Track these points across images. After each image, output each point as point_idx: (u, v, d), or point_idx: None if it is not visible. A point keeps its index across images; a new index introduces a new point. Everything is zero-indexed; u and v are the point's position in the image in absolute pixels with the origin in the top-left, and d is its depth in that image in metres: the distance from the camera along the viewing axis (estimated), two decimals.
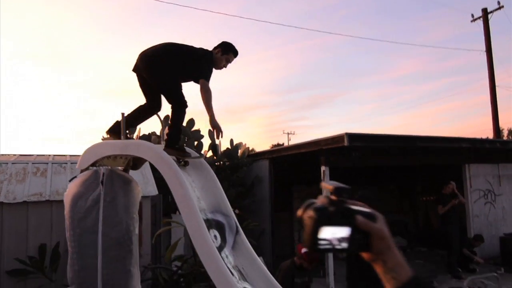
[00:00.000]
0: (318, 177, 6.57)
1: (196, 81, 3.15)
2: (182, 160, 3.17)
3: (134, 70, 3.24)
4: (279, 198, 8.48)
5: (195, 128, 8.31)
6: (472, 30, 43.11)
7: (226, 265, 2.88)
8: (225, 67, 3.34)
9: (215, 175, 3.36)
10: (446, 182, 7.38)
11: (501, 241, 7.92)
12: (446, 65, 79.51)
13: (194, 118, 8.33)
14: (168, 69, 3.15)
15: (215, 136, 3.27)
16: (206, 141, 11.34)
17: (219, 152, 8.40)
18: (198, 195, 3.16)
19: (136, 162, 3.64)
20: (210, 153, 8.39)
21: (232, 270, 2.91)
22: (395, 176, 10.50)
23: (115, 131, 3.23)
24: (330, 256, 6.35)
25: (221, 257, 2.90)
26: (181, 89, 3.23)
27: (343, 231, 0.66)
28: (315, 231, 0.66)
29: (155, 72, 3.16)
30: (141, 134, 7.69)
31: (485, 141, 8.21)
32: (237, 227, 3.22)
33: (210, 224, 3.07)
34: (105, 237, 2.92)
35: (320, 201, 0.70)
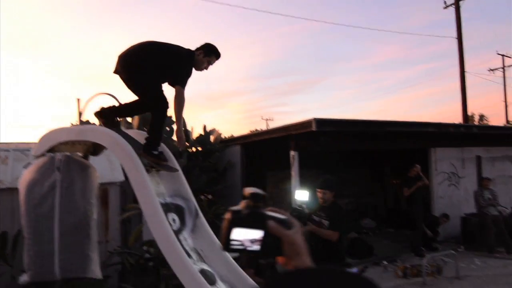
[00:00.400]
0: (289, 162, 6.69)
1: (172, 85, 3.07)
2: (156, 168, 3.05)
3: (115, 72, 3.13)
4: (253, 183, 8.52)
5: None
6: (446, 17, 43.89)
7: (184, 247, 2.94)
8: (206, 69, 3.27)
9: (175, 160, 3.39)
10: (411, 165, 7.65)
11: (462, 221, 8.30)
12: (423, 52, 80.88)
13: None
14: (147, 71, 3.04)
15: (178, 146, 3.28)
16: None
17: (191, 139, 8.39)
18: (157, 180, 3.19)
19: (96, 148, 3.63)
20: None
21: (190, 252, 2.98)
22: (366, 160, 10.76)
23: (103, 115, 3.15)
24: None
25: (179, 239, 2.96)
26: (162, 90, 3.13)
27: (255, 234, 0.70)
28: (228, 231, 0.71)
29: (134, 75, 3.05)
30: None
31: (450, 125, 8.49)
32: (196, 210, 3.27)
33: (169, 208, 3.11)
34: (62, 223, 2.93)
35: (240, 204, 0.75)
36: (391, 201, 11.43)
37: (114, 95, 3.54)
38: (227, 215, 0.72)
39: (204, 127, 8.88)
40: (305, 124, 6.18)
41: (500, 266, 6.80)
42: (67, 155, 3.11)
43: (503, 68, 26.36)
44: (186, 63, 3.11)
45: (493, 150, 9.92)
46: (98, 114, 3.18)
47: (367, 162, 11.04)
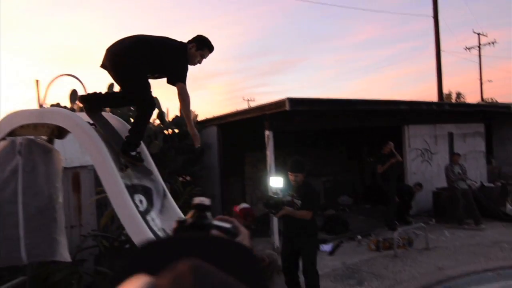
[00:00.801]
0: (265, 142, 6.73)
1: (171, 82, 2.93)
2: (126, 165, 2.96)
3: (102, 66, 2.99)
4: (231, 164, 8.62)
5: None
6: None
7: (151, 227, 2.97)
8: (200, 63, 3.11)
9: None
10: (384, 143, 7.81)
11: (434, 195, 8.59)
12: (403, 30, 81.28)
13: None
14: (136, 69, 2.91)
15: (194, 144, 3.10)
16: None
17: (167, 120, 8.31)
18: (122, 162, 3.18)
19: (61, 131, 3.57)
20: (157, 121, 8.29)
21: (158, 232, 3.00)
22: (343, 138, 10.92)
23: (86, 100, 3.04)
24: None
25: (147, 220, 2.98)
26: (150, 91, 3.00)
27: None
28: None
29: (121, 72, 2.92)
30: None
31: (422, 103, 8.67)
32: (164, 191, 3.29)
33: (136, 189, 3.11)
34: (26, 207, 2.90)
35: (188, 215, 0.78)
36: (368, 178, 11.70)
37: (77, 76, 3.46)
38: (174, 225, 0.76)
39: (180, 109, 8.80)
40: (279, 104, 6.20)
41: (468, 237, 7.11)
42: (29, 138, 3.05)
43: (479, 46, 26.82)
44: (181, 57, 2.96)
45: (465, 126, 10.21)
46: (82, 98, 3.09)
47: (344, 140, 11.21)
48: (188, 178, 8.63)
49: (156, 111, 8.27)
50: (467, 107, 10.94)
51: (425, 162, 9.24)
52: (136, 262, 0.48)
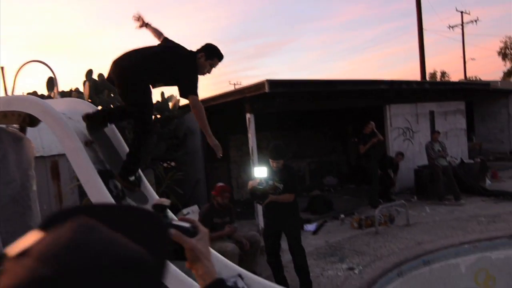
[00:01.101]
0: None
1: (183, 95, 2.86)
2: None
3: (108, 79, 2.92)
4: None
5: None
6: None
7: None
8: (209, 72, 3.01)
9: (114, 126, 3.35)
10: (366, 123, 7.88)
11: (415, 173, 8.76)
12: (389, 10, 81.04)
13: None
14: (142, 89, 2.82)
15: (217, 155, 3.00)
16: None
17: None
18: (96, 148, 3.15)
19: (33, 119, 3.51)
20: None
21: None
22: (328, 119, 10.98)
23: (90, 117, 2.99)
24: None
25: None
26: (151, 114, 2.95)
27: None
28: None
29: (126, 91, 2.85)
30: (59, 91, 7.28)
31: (402, 82, 8.74)
32: (140, 176, 3.29)
33: (110, 174, 3.11)
34: None
35: None
36: (353, 158, 11.84)
37: (47, 63, 3.39)
38: None
39: (162, 94, 8.71)
40: (259, 86, 6.18)
41: (447, 212, 7.30)
42: None
43: (462, 25, 26.96)
44: (191, 68, 2.87)
45: (446, 104, 10.35)
46: (86, 116, 3.03)
47: (329, 121, 11.28)
48: (172, 163, 8.63)
49: None
50: (447, 85, 11.08)
51: (406, 141, 9.38)
52: (43, 224, 0.50)
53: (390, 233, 6.27)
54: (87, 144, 3.06)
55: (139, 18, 3.22)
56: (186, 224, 0.83)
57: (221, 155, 3.02)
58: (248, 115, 6.55)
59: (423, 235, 6.01)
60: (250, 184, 4.31)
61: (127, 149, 3.07)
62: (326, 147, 11.56)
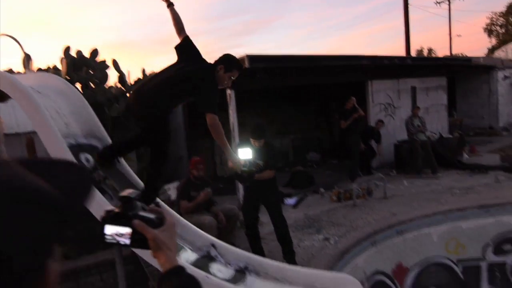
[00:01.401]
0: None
1: (202, 112, 2.77)
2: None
3: (127, 108, 2.95)
4: (198, 125, 8.60)
5: (100, 59, 7.87)
6: None
7: (100, 185, 3.03)
8: (228, 85, 2.93)
9: (86, 101, 3.34)
10: (347, 98, 7.94)
11: (395, 148, 8.92)
12: None
13: (98, 49, 7.84)
14: (166, 116, 2.79)
15: (238, 171, 3.07)
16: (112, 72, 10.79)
17: (128, 83, 8.12)
18: (65, 121, 3.15)
19: (2, 94, 3.47)
20: (118, 85, 8.09)
21: (106, 189, 3.07)
22: (312, 95, 11.00)
23: (101, 155, 2.98)
24: None
25: (94, 177, 3.03)
26: (168, 146, 2.88)
27: (123, 230, 0.85)
28: (102, 227, 0.86)
29: (147, 123, 2.80)
30: (37, 68, 7.15)
31: (384, 58, 8.77)
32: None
33: (82, 148, 3.13)
34: None
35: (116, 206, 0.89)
36: (336, 134, 11.97)
37: (16, 38, 3.33)
38: (102, 214, 0.88)
39: (143, 71, 8.58)
40: None
41: (424, 185, 7.51)
42: None
43: (448, 0, 26.87)
44: (212, 83, 2.77)
45: (427, 80, 10.46)
46: (98, 154, 3.03)
47: (312, 98, 11.31)
48: None
49: (116, 74, 8.07)
50: (429, 61, 11.15)
51: (388, 116, 9.50)
52: None
53: (367, 205, 6.45)
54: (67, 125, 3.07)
55: None
56: (151, 215, 0.88)
57: (241, 172, 3.10)
58: (228, 92, 6.53)
59: (399, 206, 6.20)
60: (230, 163, 4.40)
61: (141, 182, 3.09)
62: (310, 123, 11.64)
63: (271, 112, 10.32)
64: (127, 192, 0.90)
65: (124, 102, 7.38)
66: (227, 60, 2.87)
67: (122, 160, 3.25)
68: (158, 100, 2.73)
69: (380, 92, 9.26)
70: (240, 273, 2.92)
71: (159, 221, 0.88)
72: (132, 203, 0.88)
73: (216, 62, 2.87)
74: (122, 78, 7.98)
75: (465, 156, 9.55)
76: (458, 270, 5.59)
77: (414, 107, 8.74)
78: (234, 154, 2.99)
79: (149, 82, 2.90)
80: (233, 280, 2.75)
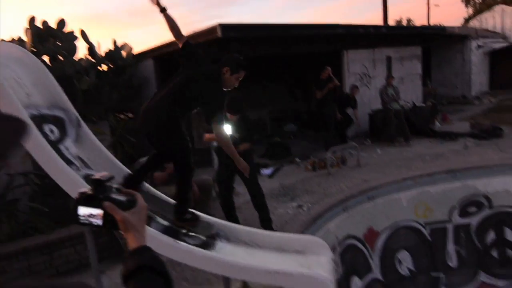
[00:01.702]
0: None
1: (207, 121, 2.74)
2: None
3: (139, 129, 2.78)
4: None
5: (68, 30, 7.56)
6: None
7: (65, 155, 2.98)
8: (236, 86, 2.85)
9: (48, 71, 3.23)
10: (322, 68, 7.94)
11: (369, 117, 9.07)
12: None
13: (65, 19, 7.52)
14: (179, 129, 2.71)
15: (245, 175, 3.28)
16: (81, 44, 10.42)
17: (99, 55, 7.88)
18: (27, 92, 3.05)
19: None
20: (88, 56, 7.84)
21: (73, 160, 3.02)
22: (289, 66, 10.94)
23: (128, 184, 2.83)
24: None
25: (60, 149, 2.97)
26: (189, 154, 2.77)
27: (95, 211, 0.89)
28: (75, 208, 0.90)
29: (162, 141, 2.74)
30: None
31: (359, 26, 8.73)
32: (78, 120, 3.25)
33: (45, 119, 3.05)
34: None
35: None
36: (313, 105, 12.02)
37: None
38: (76, 195, 0.90)
39: (114, 42, 8.32)
40: (211, 31, 6.03)
41: (397, 153, 7.71)
42: None
43: None
44: (217, 88, 2.73)
45: (403, 50, 10.53)
46: (124, 185, 2.84)
47: (289, 69, 11.25)
48: (130, 115, 8.48)
49: (85, 46, 7.79)
50: (404, 30, 11.19)
51: (363, 87, 9.58)
52: None
53: (341, 173, 6.61)
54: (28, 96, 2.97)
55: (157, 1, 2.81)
56: (122, 198, 0.92)
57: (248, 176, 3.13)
58: None
59: (371, 174, 6.37)
60: (207, 136, 4.44)
61: (170, 199, 3.05)
62: (287, 95, 11.64)
63: (248, 85, 10.22)
64: (98, 175, 0.92)
65: (94, 74, 7.19)
66: (232, 61, 2.81)
67: (145, 184, 3.17)
68: (162, 110, 2.66)
69: (355, 62, 9.29)
70: (211, 238, 2.97)
71: (130, 204, 0.92)
72: (104, 186, 0.91)
73: (220, 64, 2.81)
74: (92, 49, 7.73)
75: (437, 124, 9.81)
76: (425, 232, 5.86)
77: (389, 76, 8.83)
78: (242, 161, 3.06)
79: (154, 97, 2.81)
80: (203, 246, 2.80)
